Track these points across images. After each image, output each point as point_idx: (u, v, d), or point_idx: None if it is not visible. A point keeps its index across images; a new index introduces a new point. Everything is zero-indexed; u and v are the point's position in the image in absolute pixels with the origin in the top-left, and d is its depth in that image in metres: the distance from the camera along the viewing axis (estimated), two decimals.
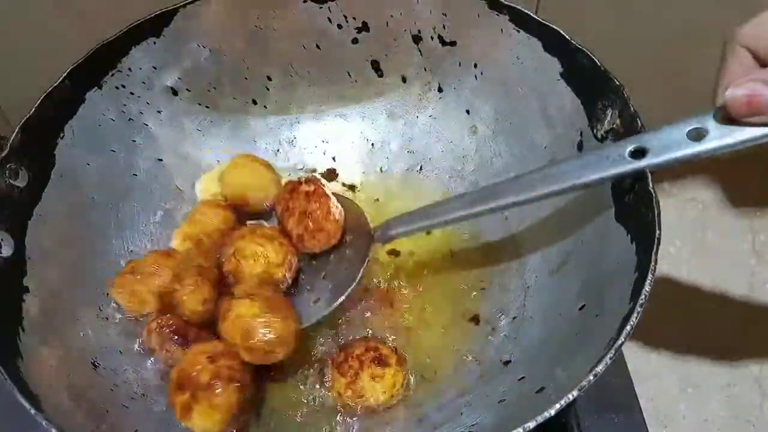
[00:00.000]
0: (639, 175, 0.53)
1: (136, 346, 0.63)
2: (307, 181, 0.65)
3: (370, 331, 0.64)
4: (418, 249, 0.70)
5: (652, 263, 0.50)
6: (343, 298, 0.61)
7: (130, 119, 0.69)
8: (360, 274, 0.62)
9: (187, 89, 0.71)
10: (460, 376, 0.61)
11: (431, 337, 0.64)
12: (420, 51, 0.70)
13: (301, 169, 0.76)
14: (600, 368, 0.46)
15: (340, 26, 0.70)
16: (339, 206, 0.65)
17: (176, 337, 0.59)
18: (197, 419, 0.53)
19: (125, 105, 0.68)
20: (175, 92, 0.71)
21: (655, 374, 0.74)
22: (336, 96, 0.75)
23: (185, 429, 0.58)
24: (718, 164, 0.89)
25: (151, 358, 0.62)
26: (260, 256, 0.61)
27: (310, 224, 0.63)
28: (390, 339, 0.64)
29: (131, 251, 0.68)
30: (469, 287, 0.67)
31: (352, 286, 0.61)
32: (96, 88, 0.65)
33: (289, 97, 0.75)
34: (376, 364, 0.59)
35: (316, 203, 0.63)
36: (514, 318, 0.64)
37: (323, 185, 0.65)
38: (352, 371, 0.59)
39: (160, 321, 0.60)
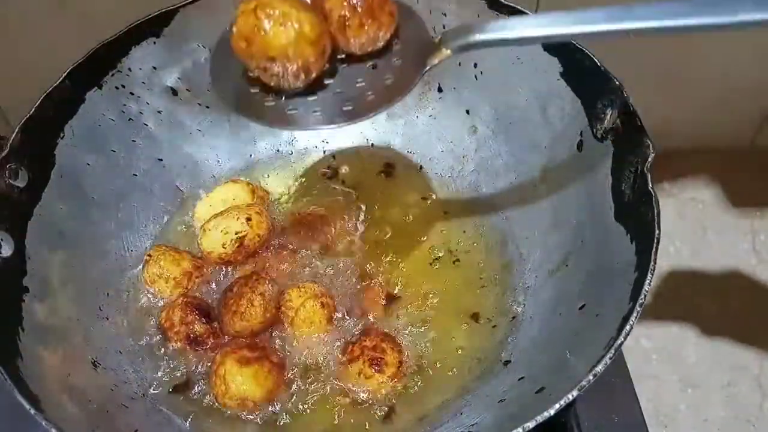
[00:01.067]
0: (639, 175, 0.54)
1: (153, 327, 0.64)
2: None
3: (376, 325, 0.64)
4: (417, 246, 0.70)
5: (652, 263, 0.50)
6: (386, 107, 0.50)
7: (130, 119, 0.69)
8: (413, 84, 0.49)
9: (187, 89, 0.71)
10: (460, 375, 0.61)
11: (431, 333, 0.64)
12: None
13: (302, 170, 0.76)
14: (600, 368, 0.46)
15: None
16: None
17: (198, 312, 0.62)
18: None
19: (125, 105, 0.68)
20: (175, 92, 0.71)
21: (655, 374, 0.74)
22: None
23: (185, 429, 0.58)
24: (718, 164, 0.89)
25: (151, 357, 0.62)
26: (292, 20, 0.46)
27: (360, 5, 0.47)
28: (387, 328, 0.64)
29: (131, 251, 0.68)
30: (469, 285, 0.67)
31: (401, 96, 0.49)
32: (96, 88, 0.65)
33: None
34: (370, 364, 0.59)
35: None
36: (513, 318, 0.64)
37: None
38: (351, 356, 0.60)
39: (186, 298, 0.63)
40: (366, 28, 0.48)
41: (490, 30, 0.48)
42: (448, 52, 0.49)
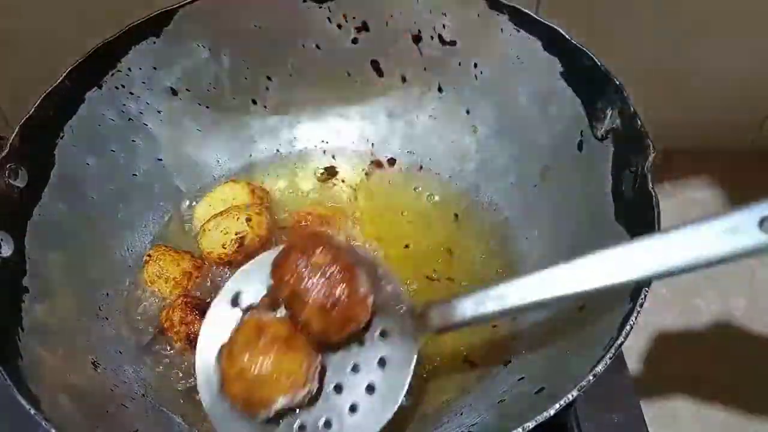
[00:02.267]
0: (639, 175, 0.54)
1: (153, 327, 0.64)
2: (314, 240, 0.49)
3: None
4: (417, 246, 0.70)
5: None
6: (395, 408, 0.50)
7: (130, 119, 0.69)
8: (409, 376, 0.50)
9: (187, 89, 0.71)
10: (460, 375, 0.61)
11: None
12: (420, 51, 0.70)
13: (301, 170, 0.76)
14: (600, 368, 0.46)
15: (340, 26, 0.70)
16: (363, 275, 0.50)
17: (197, 312, 0.62)
18: None
19: (125, 105, 0.68)
20: (175, 92, 0.71)
21: (656, 375, 0.74)
22: (336, 96, 0.75)
23: (185, 429, 0.58)
24: (718, 164, 0.89)
25: (151, 357, 0.62)
26: (280, 374, 0.48)
27: (336, 316, 0.48)
28: None
29: (131, 251, 0.68)
30: (469, 285, 0.67)
31: (402, 393, 0.50)
32: (96, 88, 0.65)
33: (289, 97, 0.75)
34: None
35: (341, 285, 0.47)
36: (514, 318, 0.64)
37: (337, 243, 0.50)
38: None
39: (186, 298, 0.63)
40: (345, 329, 0.49)
41: (472, 308, 0.48)
42: (432, 333, 0.51)
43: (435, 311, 0.50)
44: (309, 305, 0.48)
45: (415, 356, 0.51)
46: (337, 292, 0.47)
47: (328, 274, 0.48)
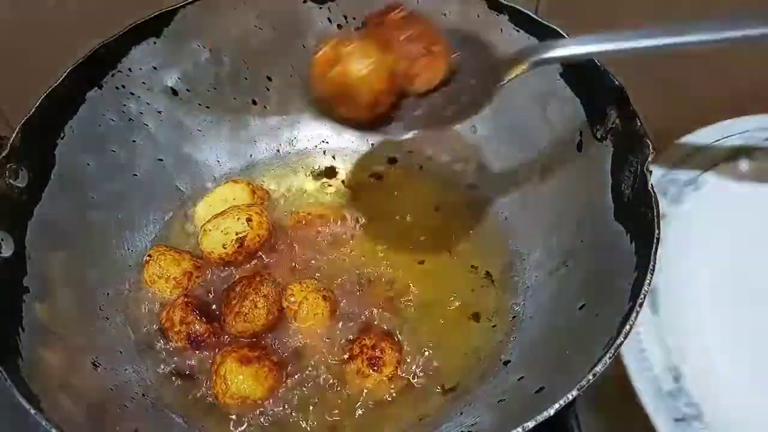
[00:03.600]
0: (638, 175, 0.54)
1: (154, 327, 0.64)
2: (393, 7, 0.53)
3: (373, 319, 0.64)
4: (417, 246, 0.70)
5: (652, 263, 0.50)
6: (465, 117, 0.53)
7: (130, 119, 0.69)
8: (493, 94, 0.53)
9: (187, 89, 0.71)
10: (460, 375, 0.61)
11: (431, 333, 0.64)
12: None
13: (302, 170, 0.77)
14: (600, 368, 0.46)
15: (340, 26, 0.70)
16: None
17: (198, 312, 0.63)
18: None
19: (125, 105, 0.68)
20: (175, 92, 0.71)
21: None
22: None
23: (185, 429, 0.58)
24: None
25: (151, 357, 0.62)
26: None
27: (419, 50, 0.51)
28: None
29: (131, 251, 0.68)
30: (469, 285, 0.67)
31: (480, 106, 0.53)
32: (96, 88, 0.65)
33: (289, 97, 0.75)
34: (368, 363, 0.59)
35: (418, 24, 0.52)
36: (513, 318, 0.64)
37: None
38: (350, 354, 0.60)
39: (186, 298, 0.64)
40: (431, 66, 0.52)
41: (564, 47, 0.53)
42: (525, 66, 0.53)
43: (525, 53, 0.54)
44: (392, 43, 0.52)
45: (500, 84, 0.53)
46: (415, 29, 0.52)
47: (406, 21, 0.52)
